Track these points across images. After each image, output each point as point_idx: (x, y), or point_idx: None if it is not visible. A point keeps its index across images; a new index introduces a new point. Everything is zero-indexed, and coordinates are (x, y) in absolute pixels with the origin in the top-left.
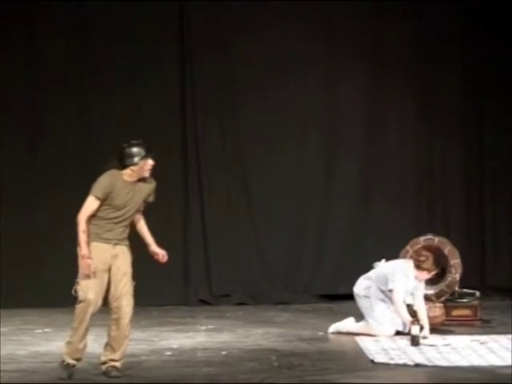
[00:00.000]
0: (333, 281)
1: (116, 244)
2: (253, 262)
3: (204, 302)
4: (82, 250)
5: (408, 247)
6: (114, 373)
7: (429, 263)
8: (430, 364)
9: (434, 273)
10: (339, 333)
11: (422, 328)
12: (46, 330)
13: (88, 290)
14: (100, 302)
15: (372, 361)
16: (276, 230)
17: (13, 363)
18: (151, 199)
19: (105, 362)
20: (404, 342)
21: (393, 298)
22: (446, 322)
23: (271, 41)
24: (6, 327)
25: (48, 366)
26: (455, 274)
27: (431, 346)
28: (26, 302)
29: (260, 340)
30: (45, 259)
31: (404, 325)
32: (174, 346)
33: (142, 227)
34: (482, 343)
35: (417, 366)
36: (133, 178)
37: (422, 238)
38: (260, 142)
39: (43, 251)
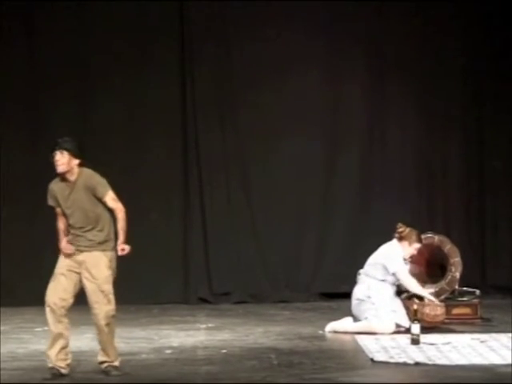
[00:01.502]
0: (333, 279)
1: (82, 251)
2: (253, 260)
3: (204, 301)
4: (59, 242)
5: None
6: (114, 372)
7: (407, 232)
8: (430, 363)
9: (415, 246)
10: (336, 332)
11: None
12: (46, 328)
13: (47, 292)
14: (60, 304)
15: (372, 359)
16: (276, 229)
17: (13, 361)
18: (100, 194)
19: (103, 362)
20: (404, 340)
21: (400, 278)
22: (447, 321)
23: (272, 39)
24: (7, 325)
25: (48, 364)
26: (455, 272)
27: (431, 344)
28: (26, 301)
29: (260, 338)
30: (45, 258)
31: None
32: (175, 345)
33: (117, 224)
34: (482, 342)
35: (417, 364)
36: (63, 177)
37: (422, 237)
38: (260, 141)
39: (43, 250)
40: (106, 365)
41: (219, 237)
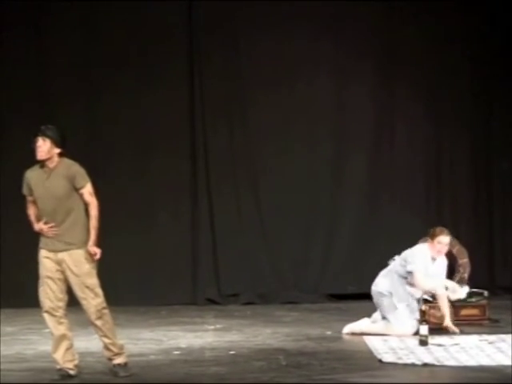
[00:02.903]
0: (341, 280)
1: (58, 251)
2: (261, 261)
3: (212, 302)
4: (34, 226)
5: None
6: (122, 373)
7: (431, 232)
8: (438, 364)
9: (439, 240)
10: (353, 334)
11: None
12: None
13: (40, 299)
14: (57, 306)
15: (380, 360)
16: (285, 230)
17: (21, 362)
18: (79, 184)
19: (110, 359)
20: (412, 341)
21: (414, 279)
22: (455, 322)
23: (281, 40)
24: (15, 327)
25: (56, 366)
26: (464, 273)
27: (439, 345)
28: (34, 302)
29: (268, 339)
30: None
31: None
32: (183, 346)
33: (89, 222)
34: (490, 343)
35: (425, 365)
36: (43, 164)
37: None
38: (269, 142)
39: None
40: (113, 363)
41: (227, 238)
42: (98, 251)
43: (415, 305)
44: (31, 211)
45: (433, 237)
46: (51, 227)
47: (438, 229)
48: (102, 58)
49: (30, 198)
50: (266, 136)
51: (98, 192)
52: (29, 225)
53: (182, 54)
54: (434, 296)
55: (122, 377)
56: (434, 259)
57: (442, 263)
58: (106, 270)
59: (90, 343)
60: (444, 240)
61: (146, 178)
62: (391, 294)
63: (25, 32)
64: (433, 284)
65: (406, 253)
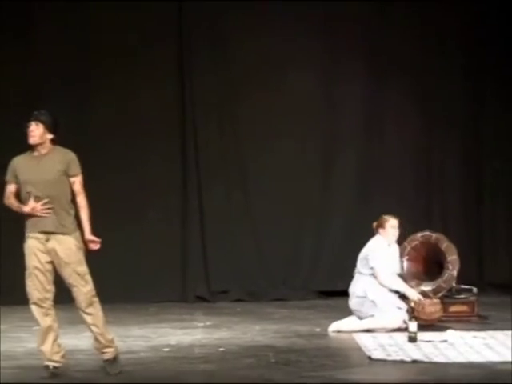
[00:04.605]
0: (331, 277)
1: (48, 239)
2: (251, 258)
3: (202, 299)
4: (23, 209)
5: (406, 243)
6: (112, 370)
7: (378, 221)
8: (427, 360)
9: (391, 224)
10: (340, 331)
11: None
12: None
13: (28, 290)
14: (45, 297)
15: (369, 357)
16: (274, 227)
17: (11, 360)
18: (73, 172)
19: (100, 352)
20: (401, 338)
21: (377, 273)
22: (444, 318)
23: (270, 39)
24: (5, 324)
25: (43, 362)
26: (452, 270)
27: (428, 342)
28: (25, 300)
29: (257, 336)
30: None
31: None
32: (172, 343)
33: (80, 212)
34: (474, 337)
35: (414, 362)
36: (35, 149)
37: (419, 235)
38: (259, 140)
39: None
40: (103, 358)
41: (217, 235)
42: (98, 241)
43: (393, 295)
44: (11, 200)
45: (383, 224)
46: (44, 204)
47: (385, 216)
48: (91, 56)
49: (11, 186)
50: (255, 134)
51: (86, 189)
52: (22, 221)
53: (172, 52)
54: (423, 293)
55: (113, 374)
56: (389, 246)
57: (396, 250)
58: (94, 268)
59: (79, 341)
60: (395, 223)
61: (135, 177)
62: (366, 292)
63: (13, 27)
64: (395, 283)
65: (364, 251)
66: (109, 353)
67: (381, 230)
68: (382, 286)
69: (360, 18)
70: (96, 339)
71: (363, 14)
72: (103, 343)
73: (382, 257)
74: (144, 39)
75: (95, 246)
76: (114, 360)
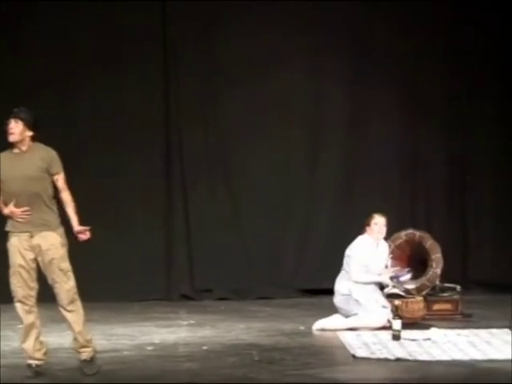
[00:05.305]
0: (316, 275)
1: (32, 235)
2: (235, 256)
3: (186, 297)
4: (3, 210)
5: (390, 242)
6: (88, 371)
7: (371, 215)
8: (411, 358)
9: (376, 221)
10: (324, 330)
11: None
12: None
13: (12, 288)
14: (29, 294)
15: (353, 355)
16: (259, 225)
17: None
18: (55, 170)
19: (77, 352)
20: (385, 336)
21: (350, 270)
22: (427, 317)
23: (255, 35)
24: None
25: (26, 361)
26: (436, 268)
27: (412, 340)
28: (9, 298)
29: (242, 335)
30: None
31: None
32: (156, 341)
33: (66, 207)
34: (458, 335)
35: (398, 360)
36: (14, 146)
37: (403, 233)
38: (243, 138)
39: None
40: (80, 357)
41: (202, 233)
42: (87, 231)
43: (378, 293)
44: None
45: (369, 222)
46: (24, 211)
47: (373, 214)
48: (75, 57)
49: None
50: (240, 132)
51: (71, 188)
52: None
53: (157, 51)
54: (406, 291)
55: (89, 375)
56: (377, 244)
57: (385, 248)
58: (78, 266)
59: (63, 339)
60: (380, 220)
61: (120, 175)
62: (350, 290)
63: (2, 32)
64: (365, 276)
65: (348, 249)
66: (86, 353)
67: (367, 228)
68: (356, 282)
69: (345, 15)
70: (75, 338)
71: (348, 11)
72: (81, 342)
73: (359, 255)
74: (128, 39)
75: (85, 236)
76: (91, 360)
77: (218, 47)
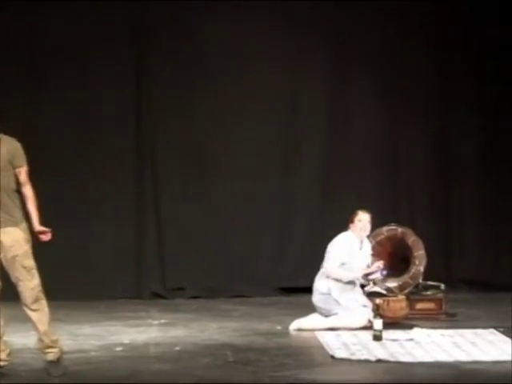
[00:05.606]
0: (293, 273)
1: None
2: (209, 253)
3: (157, 295)
4: None
5: (370, 238)
6: (54, 372)
7: (355, 211)
8: (392, 359)
9: (359, 218)
10: (302, 330)
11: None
12: None
13: None
14: None
15: (332, 356)
16: (234, 221)
17: None
18: (18, 163)
19: (42, 353)
20: (366, 336)
21: (327, 265)
22: (410, 316)
23: (231, 31)
24: None
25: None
26: (419, 265)
27: (394, 340)
28: None
29: (215, 335)
30: None
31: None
32: (125, 342)
33: (27, 203)
34: (442, 335)
35: (379, 361)
36: None
37: (384, 229)
38: (219, 132)
39: None
40: (46, 358)
41: (173, 229)
42: (48, 232)
43: (358, 292)
44: None
45: (353, 218)
46: None
47: (356, 211)
48: (45, 53)
49: None
50: (215, 126)
51: (40, 185)
52: None
53: (131, 45)
54: (388, 289)
55: (55, 376)
56: (361, 242)
57: (368, 248)
58: (44, 263)
59: (27, 339)
60: (364, 217)
61: (89, 171)
62: (330, 289)
63: None
64: (338, 273)
65: (328, 247)
66: (52, 353)
67: (351, 225)
68: (328, 277)
69: (323, 6)
70: (39, 339)
71: (327, 5)
72: (46, 343)
73: (338, 252)
74: (99, 33)
75: (46, 237)
76: (57, 361)
77: (194, 39)
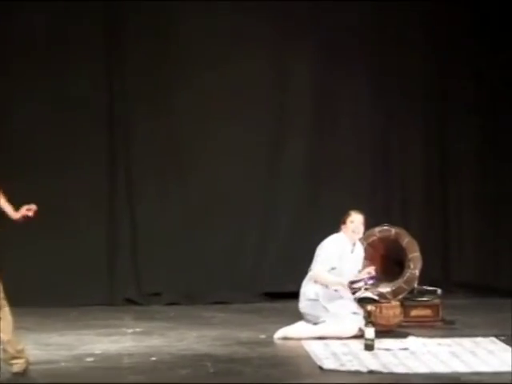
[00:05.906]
0: (278, 277)
1: None
2: (187, 257)
3: (131, 302)
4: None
5: (362, 239)
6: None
7: (348, 212)
8: (385, 371)
9: (351, 219)
10: (287, 338)
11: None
12: None
13: None
14: None
15: (320, 367)
16: (214, 222)
17: None
18: None
19: (8, 364)
20: (356, 345)
21: (315, 269)
22: (404, 324)
23: (212, 19)
24: None
25: None
26: (414, 269)
27: (387, 350)
28: None
29: (194, 344)
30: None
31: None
32: (97, 352)
33: None
34: (439, 344)
35: (371, 372)
36: None
37: (377, 230)
38: (198, 127)
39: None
40: (12, 370)
41: (149, 233)
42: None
43: (348, 298)
44: None
45: (345, 219)
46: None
47: (349, 211)
48: (12, 42)
49: None
50: (195, 121)
51: (9, 185)
52: None
53: (104, 43)
54: (380, 295)
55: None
56: (353, 245)
57: (361, 251)
58: (8, 267)
59: None
60: (357, 217)
61: (60, 170)
62: (318, 295)
63: None
64: (324, 277)
65: (317, 249)
66: (17, 365)
67: (343, 226)
68: (315, 280)
69: (325, 10)
70: (4, 349)
71: (328, 6)
72: (11, 353)
73: (328, 255)
74: (70, 27)
75: (32, 212)
76: (24, 373)
77: (174, 26)
